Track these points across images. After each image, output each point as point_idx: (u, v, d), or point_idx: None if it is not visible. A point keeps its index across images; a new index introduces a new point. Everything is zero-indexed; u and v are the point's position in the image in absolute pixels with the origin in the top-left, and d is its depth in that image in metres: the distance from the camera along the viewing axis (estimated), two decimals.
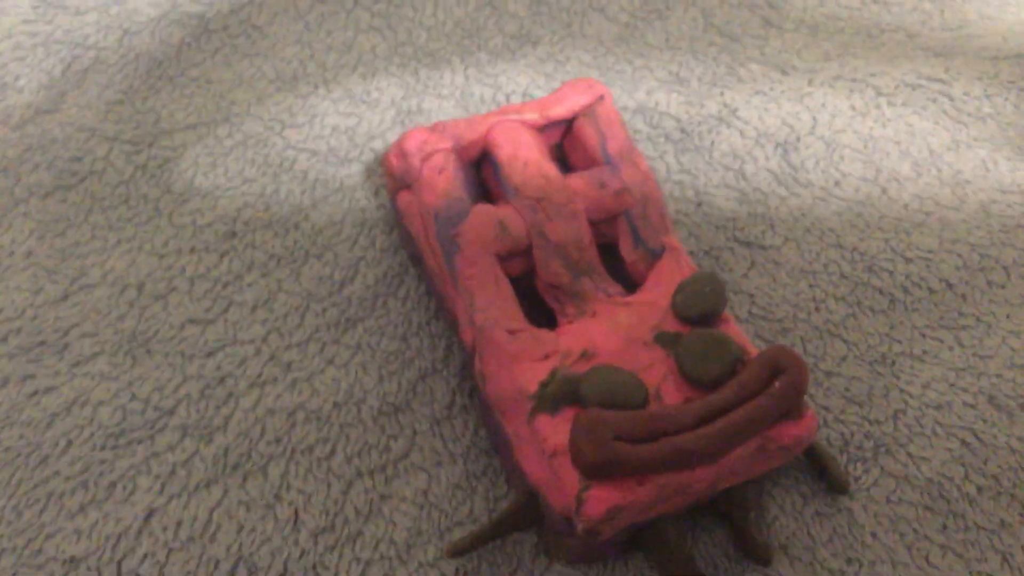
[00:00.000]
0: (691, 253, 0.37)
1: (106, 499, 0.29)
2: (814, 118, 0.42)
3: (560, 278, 0.32)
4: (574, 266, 0.32)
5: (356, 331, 0.33)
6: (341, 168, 0.38)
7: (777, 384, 0.28)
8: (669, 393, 0.29)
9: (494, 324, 0.30)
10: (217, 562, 0.28)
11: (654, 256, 0.33)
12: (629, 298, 0.32)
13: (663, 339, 0.30)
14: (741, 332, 0.31)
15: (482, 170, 0.36)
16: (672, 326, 0.31)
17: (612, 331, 0.31)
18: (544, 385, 0.29)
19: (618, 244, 0.34)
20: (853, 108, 0.43)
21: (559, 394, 0.28)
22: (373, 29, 0.45)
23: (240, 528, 0.28)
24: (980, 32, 0.49)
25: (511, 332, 0.30)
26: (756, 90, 0.44)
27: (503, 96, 0.42)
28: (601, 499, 0.26)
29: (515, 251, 0.32)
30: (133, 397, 0.31)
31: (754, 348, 0.30)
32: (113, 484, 0.29)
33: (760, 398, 0.28)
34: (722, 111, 0.42)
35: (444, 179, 0.32)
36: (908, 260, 0.37)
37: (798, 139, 0.41)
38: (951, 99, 0.44)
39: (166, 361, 0.32)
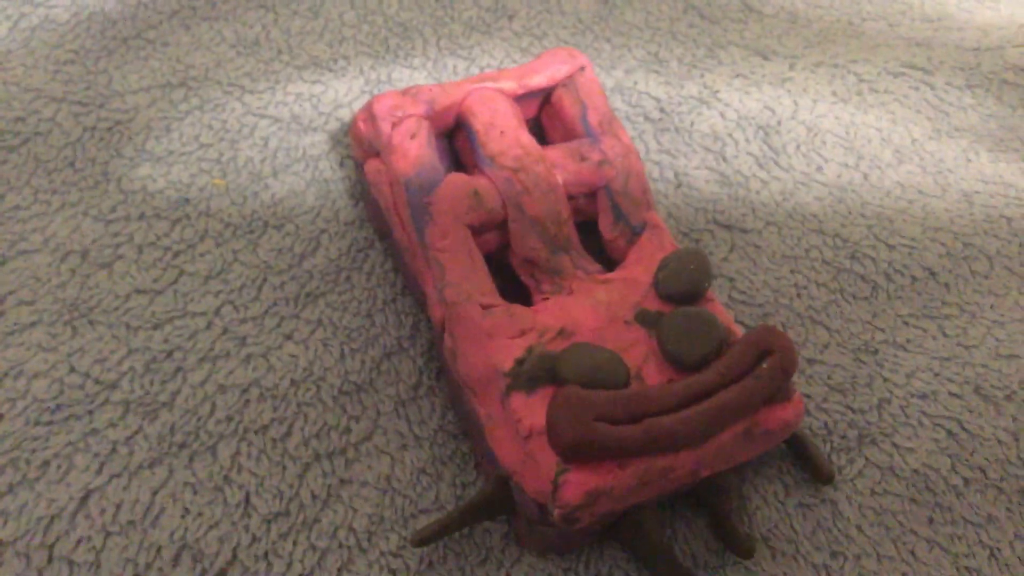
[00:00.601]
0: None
1: (38, 478, 0.26)
2: (795, 103, 0.41)
3: (536, 253, 0.30)
4: (551, 241, 0.30)
5: (317, 306, 0.31)
6: (304, 136, 0.36)
7: (765, 365, 0.27)
8: (650, 374, 0.27)
9: (466, 298, 0.28)
10: (159, 548, 0.25)
11: (635, 233, 0.31)
12: (608, 275, 0.30)
13: (644, 318, 0.29)
14: (726, 312, 0.29)
15: (455, 141, 0.34)
16: (654, 304, 0.29)
17: (591, 309, 0.29)
18: (520, 363, 0.27)
19: (597, 220, 0.33)
20: (835, 94, 0.42)
21: (535, 373, 0.27)
22: None
23: (185, 512, 0.26)
24: (960, 25, 0.48)
25: (484, 307, 0.28)
26: (737, 73, 0.42)
27: (477, 69, 0.40)
28: (579, 483, 0.25)
29: (489, 224, 0.30)
30: (72, 370, 0.28)
31: (739, 329, 0.29)
32: (47, 463, 0.27)
33: (747, 380, 0.26)
34: (703, 92, 0.41)
35: (416, 145, 0.31)
36: (891, 247, 0.36)
37: (779, 123, 0.40)
38: (933, 88, 0.43)
39: (109, 332, 0.30)
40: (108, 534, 0.25)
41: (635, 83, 0.41)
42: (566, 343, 0.28)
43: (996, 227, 0.38)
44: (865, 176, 0.39)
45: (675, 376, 0.27)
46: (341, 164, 0.35)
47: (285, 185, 0.34)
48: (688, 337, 0.27)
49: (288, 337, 0.30)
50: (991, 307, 0.35)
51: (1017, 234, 0.37)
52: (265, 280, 0.32)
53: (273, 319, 0.31)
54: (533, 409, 0.26)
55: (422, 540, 0.26)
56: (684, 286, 0.29)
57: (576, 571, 0.27)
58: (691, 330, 0.28)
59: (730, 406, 0.26)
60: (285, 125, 0.36)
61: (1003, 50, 0.46)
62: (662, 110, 0.40)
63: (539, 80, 0.34)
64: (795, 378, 0.32)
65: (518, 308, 0.28)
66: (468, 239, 0.29)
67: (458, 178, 0.30)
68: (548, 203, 0.31)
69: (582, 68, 0.34)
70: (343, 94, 0.38)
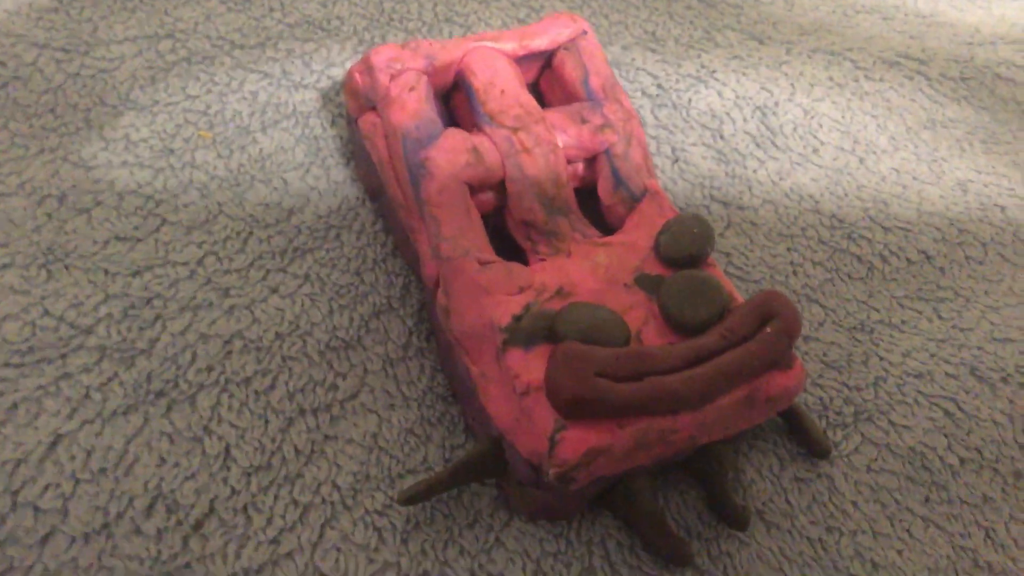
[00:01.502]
0: None
1: (5, 421, 0.25)
2: (792, 85, 0.41)
3: (534, 215, 0.29)
4: (549, 203, 0.30)
5: (305, 261, 0.30)
6: (295, 93, 0.35)
7: (768, 329, 0.26)
8: (650, 337, 0.27)
9: (463, 253, 0.27)
10: (132, 499, 0.24)
11: (634, 200, 0.31)
12: (608, 239, 0.29)
13: (644, 282, 0.28)
14: (727, 278, 0.28)
15: (451, 102, 0.33)
16: (654, 268, 0.28)
17: (590, 271, 0.28)
18: (517, 319, 0.26)
19: (596, 186, 0.32)
20: (831, 79, 0.42)
21: (533, 329, 0.26)
22: None
23: (161, 461, 0.25)
24: (952, 21, 0.48)
25: (482, 263, 0.27)
26: (733, 55, 0.42)
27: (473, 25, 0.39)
28: (577, 441, 0.24)
29: (487, 182, 0.29)
30: (45, 313, 0.27)
31: (740, 295, 0.28)
32: (15, 405, 0.25)
33: (750, 343, 0.26)
34: (700, 71, 0.41)
35: (415, 98, 0.30)
36: (886, 230, 0.36)
37: (776, 104, 0.40)
38: (928, 79, 0.43)
39: (86, 278, 0.28)
40: (78, 481, 0.24)
41: (632, 59, 0.41)
42: (564, 303, 0.27)
43: (990, 215, 0.37)
44: (861, 160, 0.38)
45: (675, 340, 0.27)
46: (332, 122, 0.34)
47: (274, 140, 0.33)
48: (691, 300, 0.27)
49: (274, 290, 0.29)
50: (985, 292, 0.35)
51: (1011, 223, 0.37)
52: (251, 233, 0.30)
53: (259, 272, 0.29)
54: (530, 365, 0.25)
55: (409, 499, 0.25)
56: (687, 249, 0.28)
57: (567, 537, 0.26)
58: (694, 293, 0.27)
59: (733, 369, 0.25)
60: (275, 81, 0.35)
61: (995, 45, 0.46)
62: (659, 87, 0.39)
63: (540, 42, 0.33)
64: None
65: (516, 266, 0.27)
66: (465, 195, 0.29)
67: (457, 133, 0.29)
68: (548, 164, 0.30)
69: (584, 32, 0.34)
70: (336, 53, 0.37)
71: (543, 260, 0.29)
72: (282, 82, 0.35)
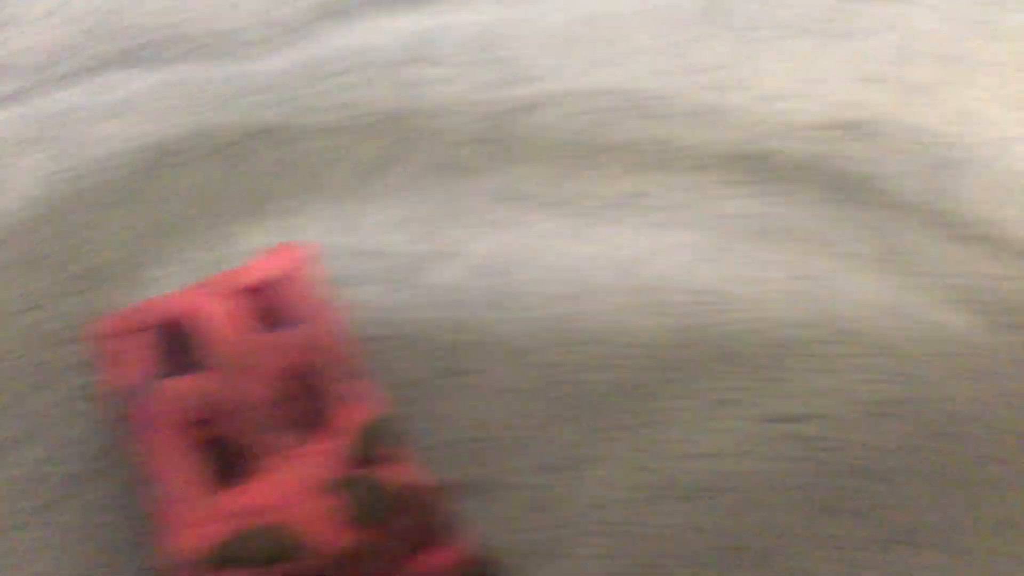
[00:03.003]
0: (397, 386, 0.40)
1: None
2: (526, 244, 0.47)
3: (249, 438, 0.35)
4: (262, 425, 0.35)
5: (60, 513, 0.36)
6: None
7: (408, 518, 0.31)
8: (337, 537, 0.32)
9: (169, 495, 0.33)
10: None
11: (344, 403, 0.36)
12: (313, 447, 0.35)
13: (339, 484, 0.33)
14: (412, 471, 0.34)
15: (179, 342, 0.39)
16: (350, 470, 0.34)
17: (292, 483, 0.34)
18: (212, 550, 0.31)
19: (311, 394, 0.38)
20: (565, 230, 0.47)
21: (225, 557, 0.31)
22: None
23: None
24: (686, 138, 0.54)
25: (185, 500, 0.33)
26: (480, 222, 0.48)
27: (236, 255, 0.45)
28: None
29: (203, 419, 0.35)
30: None
31: (427, 481, 0.34)
32: None
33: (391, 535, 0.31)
34: (443, 247, 0.46)
35: (133, 359, 0.36)
36: (597, 368, 0.41)
37: (513, 266, 0.46)
38: (654, 208, 0.49)
39: None
40: None
41: (378, 244, 0.47)
42: (261, 522, 0.32)
43: (697, 336, 0.43)
44: (582, 304, 0.44)
45: (362, 537, 0.32)
46: None
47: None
48: (369, 501, 0.32)
49: None
50: (685, 410, 0.40)
51: (707, 339, 0.42)
52: None
53: None
54: None
55: None
56: (372, 451, 0.34)
57: None
58: (372, 494, 0.32)
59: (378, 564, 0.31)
60: None
61: (731, 160, 0.51)
62: (403, 268, 0.45)
63: (255, 276, 0.39)
64: (498, 505, 0.37)
65: (219, 497, 0.33)
66: (178, 439, 0.34)
67: (170, 385, 0.35)
68: (258, 391, 0.35)
69: (297, 260, 0.39)
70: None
71: (256, 478, 0.34)
72: None
